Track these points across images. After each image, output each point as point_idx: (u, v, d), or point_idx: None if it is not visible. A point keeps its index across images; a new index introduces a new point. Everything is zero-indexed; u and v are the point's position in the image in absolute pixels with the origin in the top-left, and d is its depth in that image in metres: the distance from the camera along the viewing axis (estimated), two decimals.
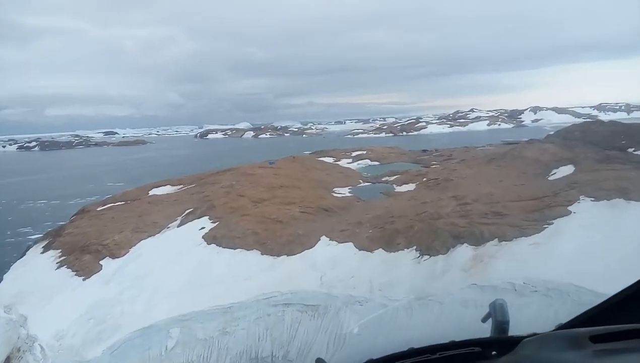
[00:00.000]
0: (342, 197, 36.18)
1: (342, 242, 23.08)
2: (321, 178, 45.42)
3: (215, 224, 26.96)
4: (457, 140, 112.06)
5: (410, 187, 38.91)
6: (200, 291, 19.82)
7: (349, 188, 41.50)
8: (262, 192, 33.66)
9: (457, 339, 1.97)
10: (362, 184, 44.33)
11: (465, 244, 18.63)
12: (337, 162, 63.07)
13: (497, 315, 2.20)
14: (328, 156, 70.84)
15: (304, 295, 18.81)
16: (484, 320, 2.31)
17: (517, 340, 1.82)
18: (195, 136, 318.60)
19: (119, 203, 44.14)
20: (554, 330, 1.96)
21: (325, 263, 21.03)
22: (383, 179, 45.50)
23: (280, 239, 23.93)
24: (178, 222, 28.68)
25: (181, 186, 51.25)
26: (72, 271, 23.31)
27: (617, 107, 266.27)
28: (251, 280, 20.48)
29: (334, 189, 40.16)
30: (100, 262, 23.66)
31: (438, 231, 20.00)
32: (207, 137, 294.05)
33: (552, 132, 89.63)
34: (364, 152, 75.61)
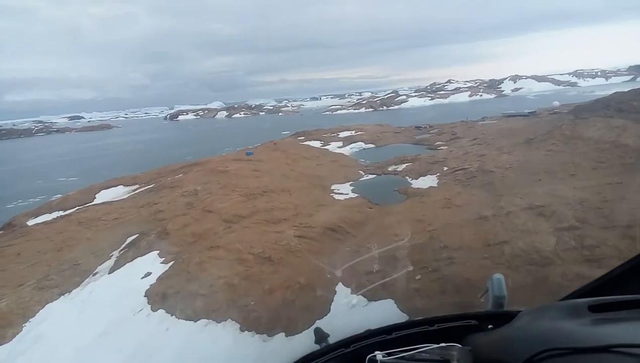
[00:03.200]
0: (347, 200, 26.89)
1: (375, 299, 13.96)
2: (313, 171, 35.99)
3: (167, 267, 17.37)
4: (443, 114, 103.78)
5: (432, 180, 29.92)
6: None
7: (351, 184, 32.25)
8: (239, 202, 23.99)
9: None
10: (365, 177, 35.03)
11: None
12: (325, 147, 53.46)
13: (495, 289, 2.05)
14: (313, 139, 61.09)
15: None
16: (481, 295, 2.21)
17: (514, 314, 1.75)
18: (165, 118, 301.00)
19: (55, 213, 34.24)
20: (552, 302, 1.75)
21: None
22: (390, 169, 36.34)
23: (272, 297, 14.57)
24: (112, 261, 18.93)
25: (136, 187, 41.05)
26: None
27: (594, 73, 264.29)
28: None
29: (332, 188, 30.81)
30: None
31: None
32: (178, 118, 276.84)
33: (552, 105, 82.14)
34: (353, 132, 66.29)
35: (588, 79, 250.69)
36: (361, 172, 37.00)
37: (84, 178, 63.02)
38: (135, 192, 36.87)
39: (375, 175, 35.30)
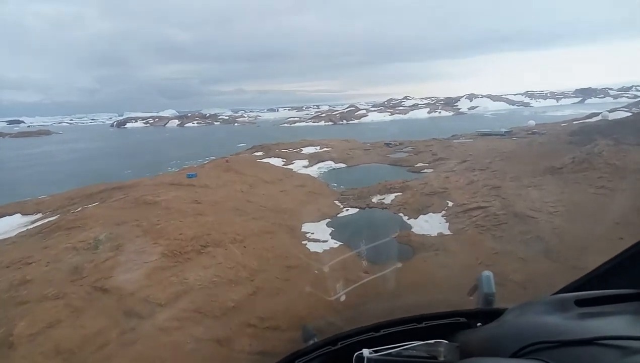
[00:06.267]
0: (327, 254, 18.48)
1: None
2: (276, 202, 27.25)
3: None
4: (406, 130, 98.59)
5: (438, 222, 22.13)
6: None
7: (329, 224, 23.85)
8: (159, 269, 14.83)
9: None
10: (345, 212, 26.65)
11: None
12: (289, 166, 44.77)
13: (484, 287, 2.05)
14: (274, 155, 52.21)
15: None
16: (470, 293, 2.18)
17: (503, 311, 1.73)
18: (112, 125, 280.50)
19: None
20: (539, 298, 1.74)
21: None
22: (374, 201, 28.22)
23: None
24: None
25: (36, 217, 30.70)
26: None
27: (545, 95, 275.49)
28: None
29: (303, 230, 22.30)
30: None
31: None
32: (126, 126, 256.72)
33: (529, 124, 78.20)
34: (319, 148, 58.18)
35: (540, 99, 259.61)
36: (337, 203, 28.69)
37: None
38: (30, 227, 26.66)
39: (357, 209, 27.04)
